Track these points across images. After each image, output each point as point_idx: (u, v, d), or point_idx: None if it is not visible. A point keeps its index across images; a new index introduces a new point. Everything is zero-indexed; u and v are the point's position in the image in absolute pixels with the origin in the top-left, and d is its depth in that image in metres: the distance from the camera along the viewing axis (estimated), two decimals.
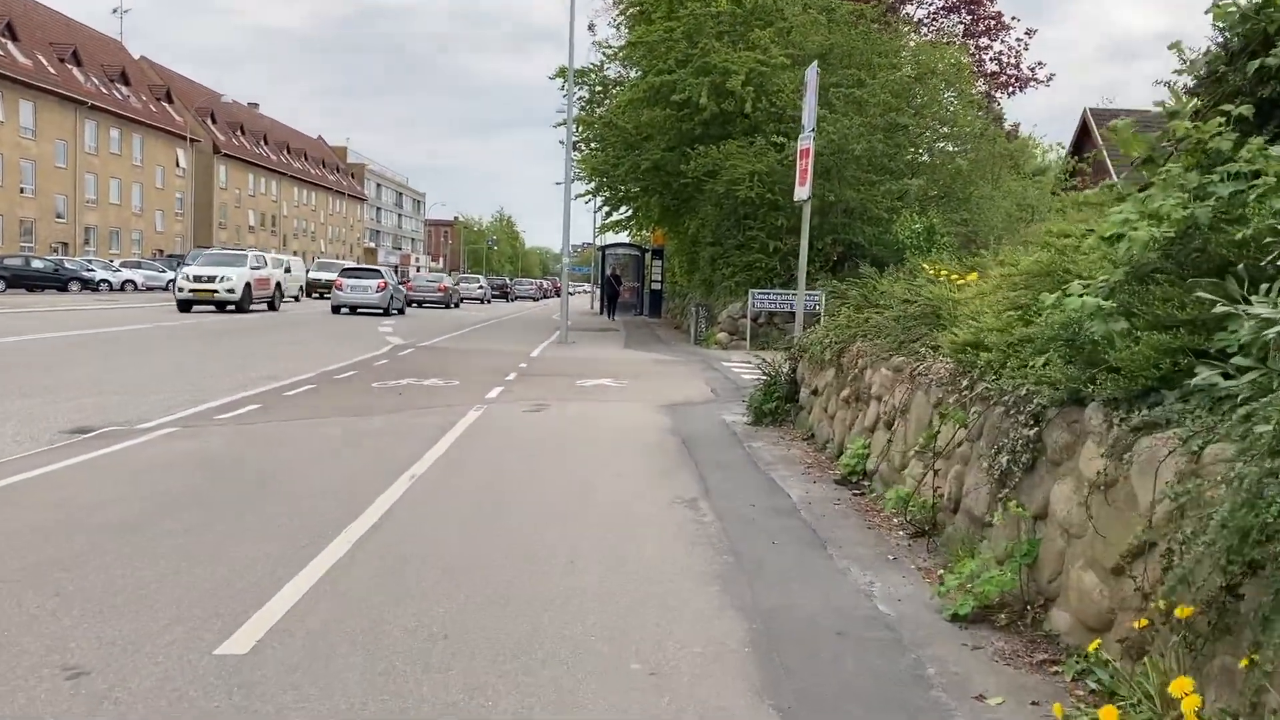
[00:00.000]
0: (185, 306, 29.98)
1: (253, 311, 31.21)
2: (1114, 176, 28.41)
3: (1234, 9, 4.38)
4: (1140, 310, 3.85)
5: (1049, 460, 4.50)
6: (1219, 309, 3.41)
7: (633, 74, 28.33)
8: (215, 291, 29.99)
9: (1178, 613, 3.12)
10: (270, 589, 4.78)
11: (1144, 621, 3.37)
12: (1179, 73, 4.68)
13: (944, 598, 4.70)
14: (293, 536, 5.72)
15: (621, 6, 30.41)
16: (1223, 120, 4.04)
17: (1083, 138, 39.59)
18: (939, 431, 5.58)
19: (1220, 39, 4.74)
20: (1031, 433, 4.53)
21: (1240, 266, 3.72)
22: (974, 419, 5.27)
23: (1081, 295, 3.76)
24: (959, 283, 7.00)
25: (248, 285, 30.88)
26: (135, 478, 7.17)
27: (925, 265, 8.80)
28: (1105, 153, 35.33)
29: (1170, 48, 4.62)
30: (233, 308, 30.19)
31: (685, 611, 4.65)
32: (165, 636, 4.12)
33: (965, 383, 5.41)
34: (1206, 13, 4.51)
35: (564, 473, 7.94)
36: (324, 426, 9.82)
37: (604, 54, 28.89)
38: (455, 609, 4.60)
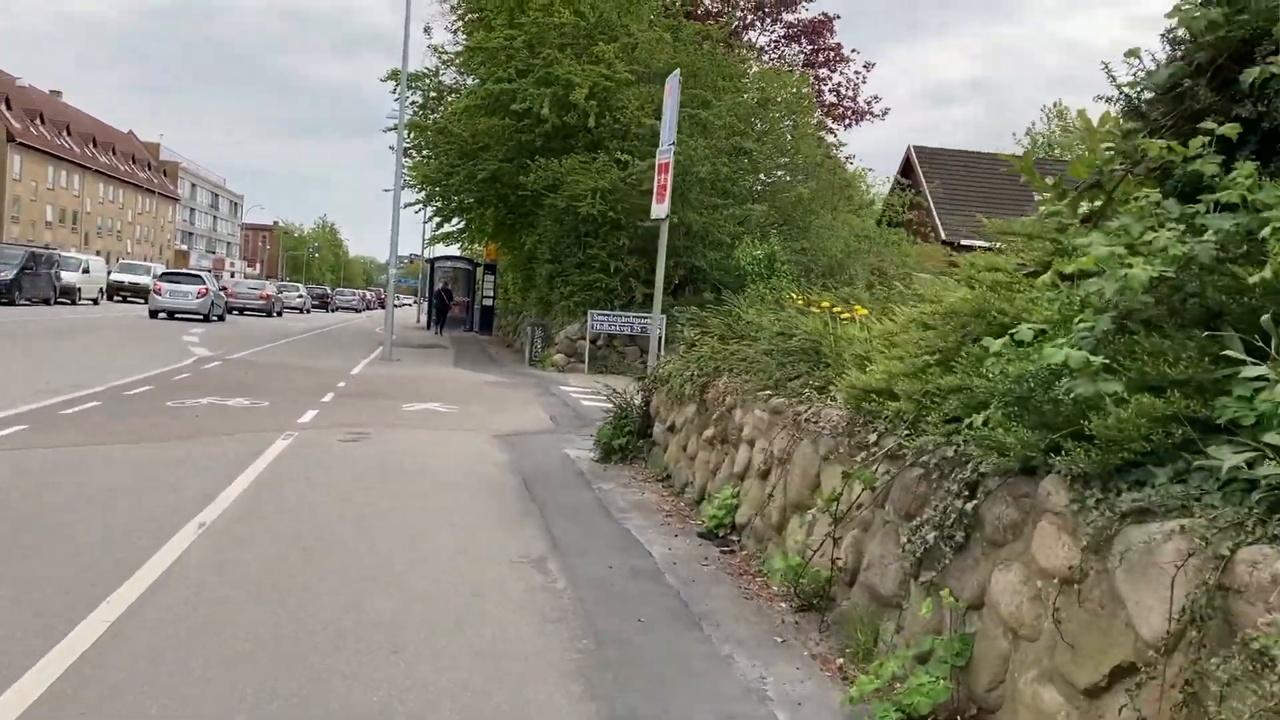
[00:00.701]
0: None
1: None
2: (935, 215, 29.27)
3: (1199, 14, 3.75)
4: (1121, 367, 3.13)
5: (987, 540, 3.73)
6: (1247, 371, 2.69)
7: (470, 81, 27.11)
8: None
9: None
10: None
11: None
12: (1131, 86, 4.04)
13: (855, 704, 3.88)
14: (36, 612, 4.49)
15: (460, 12, 29.19)
16: (1205, 140, 3.38)
17: (906, 173, 40.71)
18: (841, 493, 4.77)
19: (1169, 50, 4.13)
20: (968, 506, 3.75)
21: (1240, 316, 3.05)
22: (881, 479, 4.49)
23: (1062, 345, 3.00)
24: (844, 317, 6.27)
25: None
26: None
27: (795, 295, 8.07)
28: (928, 193, 36.63)
29: (1127, 55, 3.98)
30: None
31: None
32: None
33: (873, 437, 4.62)
34: (1169, 15, 3.88)
35: (386, 522, 6.80)
36: (102, 456, 8.37)
37: (440, 58, 27.55)
38: None
